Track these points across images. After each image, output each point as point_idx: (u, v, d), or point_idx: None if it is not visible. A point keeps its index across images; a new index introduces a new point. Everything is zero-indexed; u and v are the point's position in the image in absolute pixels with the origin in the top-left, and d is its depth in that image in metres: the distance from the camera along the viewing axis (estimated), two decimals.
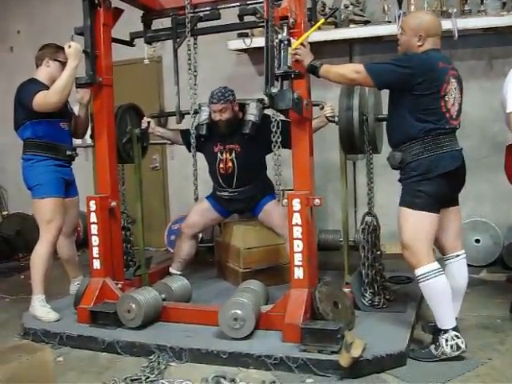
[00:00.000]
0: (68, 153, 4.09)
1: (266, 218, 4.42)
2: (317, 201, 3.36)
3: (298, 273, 3.35)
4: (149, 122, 4.43)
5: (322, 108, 3.99)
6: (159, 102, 6.09)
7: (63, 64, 3.88)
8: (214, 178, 4.50)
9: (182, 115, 4.29)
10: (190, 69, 3.93)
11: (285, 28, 3.23)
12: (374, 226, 3.89)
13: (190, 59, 3.94)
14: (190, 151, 4.24)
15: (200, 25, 4.11)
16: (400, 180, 3.27)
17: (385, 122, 3.59)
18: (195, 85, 4.06)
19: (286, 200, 3.36)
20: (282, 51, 3.14)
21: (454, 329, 3.09)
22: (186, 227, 4.56)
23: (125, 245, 4.37)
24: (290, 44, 3.18)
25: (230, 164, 4.36)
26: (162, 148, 6.36)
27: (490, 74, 5.34)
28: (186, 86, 4.02)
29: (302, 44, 3.28)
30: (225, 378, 2.79)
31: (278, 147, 3.59)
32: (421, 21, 3.22)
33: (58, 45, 4.00)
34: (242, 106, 4.37)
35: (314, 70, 3.29)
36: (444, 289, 3.11)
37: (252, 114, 4.31)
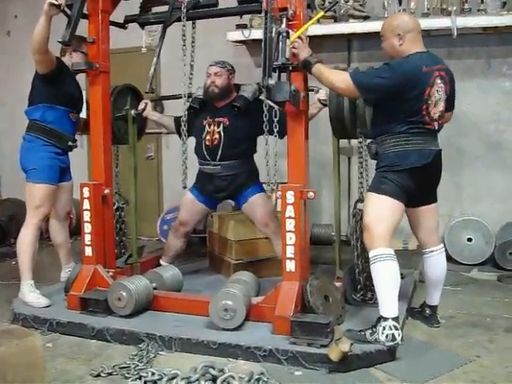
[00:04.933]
0: (69, 143, 4.12)
1: (249, 211, 4.33)
2: (311, 194, 3.35)
3: (290, 265, 3.35)
4: (146, 104, 4.41)
5: (317, 92, 3.95)
6: (156, 91, 6.07)
7: (87, 55, 3.95)
8: (200, 151, 4.36)
9: (152, 89, 4.23)
10: (184, 55, 3.88)
11: (284, 20, 3.21)
12: None
13: (184, 45, 3.89)
14: (181, 138, 4.20)
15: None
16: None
17: None
18: (191, 74, 4.05)
19: (279, 192, 3.36)
20: (281, 43, 3.12)
21: (395, 319, 3.09)
22: (180, 225, 4.50)
23: (118, 226, 4.39)
24: (288, 36, 3.16)
25: (216, 136, 4.25)
26: (157, 137, 6.35)
27: (487, 74, 5.34)
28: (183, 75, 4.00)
29: (299, 37, 3.27)
30: (213, 368, 2.78)
31: (275, 136, 3.60)
32: (396, 20, 3.32)
33: (80, 36, 3.96)
34: (238, 87, 4.34)
35: (307, 66, 3.30)
36: (392, 275, 3.13)
37: (246, 90, 4.27)
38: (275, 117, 3.52)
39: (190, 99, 4.26)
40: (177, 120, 4.40)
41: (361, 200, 3.84)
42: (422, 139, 3.21)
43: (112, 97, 4.20)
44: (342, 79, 3.21)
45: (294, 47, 3.27)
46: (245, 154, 4.31)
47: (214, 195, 4.42)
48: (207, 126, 4.29)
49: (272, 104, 3.40)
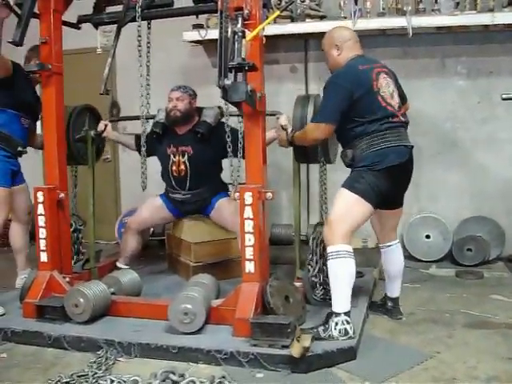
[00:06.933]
0: (19, 149, 4.07)
1: (217, 216, 4.39)
2: (269, 194, 3.34)
3: (250, 267, 3.33)
4: (106, 125, 4.39)
5: (278, 118, 3.99)
6: (111, 92, 5.97)
7: None
8: (167, 180, 4.47)
9: (107, 90, 4.13)
10: (140, 56, 3.84)
11: (239, 19, 3.19)
12: None
13: (139, 45, 3.84)
14: (141, 155, 4.17)
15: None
16: None
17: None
18: (148, 75, 4.00)
19: (237, 193, 3.34)
20: (236, 43, 3.09)
21: (346, 314, 3.15)
22: (133, 222, 4.49)
23: (76, 247, 4.32)
24: (244, 36, 3.14)
25: (182, 167, 4.34)
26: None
27: (442, 72, 5.41)
28: (139, 77, 3.94)
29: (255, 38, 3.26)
30: (174, 373, 2.74)
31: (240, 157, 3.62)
32: (333, 33, 3.49)
33: None
34: (200, 111, 4.37)
35: (291, 141, 3.58)
36: (348, 272, 3.18)
37: (208, 116, 4.33)
38: (240, 139, 3.55)
39: (152, 121, 4.31)
40: (137, 139, 4.38)
41: (321, 224, 3.84)
42: (396, 135, 3.27)
43: (71, 118, 4.19)
44: (312, 131, 3.37)
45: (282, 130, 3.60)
46: (213, 178, 4.41)
47: (184, 211, 4.53)
48: (172, 156, 4.35)
49: (225, 112, 3.40)
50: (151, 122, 4.43)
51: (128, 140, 4.57)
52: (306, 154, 3.77)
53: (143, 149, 3.93)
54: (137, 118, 4.06)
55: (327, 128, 3.30)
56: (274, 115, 4.00)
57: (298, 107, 3.73)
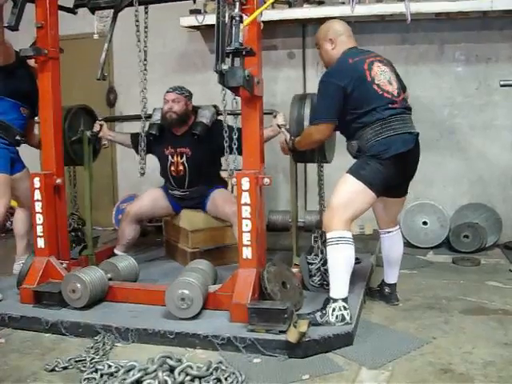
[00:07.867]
0: (17, 138, 4.06)
1: (213, 206, 4.40)
2: (266, 180, 3.32)
3: (247, 252, 3.32)
4: (101, 126, 4.37)
5: (275, 116, 3.99)
6: (108, 78, 5.95)
7: None
8: (166, 178, 4.51)
9: (103, 76, 4.06)
10: (138, 41, 3.82)
11: (237, 4, 3.16)
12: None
13: (138, 30, 3.82)
14: (138, 154, 4.18)
15: None
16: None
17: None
18: (145, 60, 3.97)
19: (234, 179, 3.33)
20: (234, 28, 3.07)
21: (344, 300, 3.15)
22: (132, 210, 4.49)
23: (73, 245, 4.34)
24: (242, 20, 3.12)
25: (180, 167, 4.36)
26: (110, 126, 6.22)
27: (441, 59, 5.39)
28: (136, 62, 3.91)
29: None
30: (171, 358, 2.74)
31: (235, 154, 3.60)
32: (326, 27, 3.48)
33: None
34: (196, 111, 4.37)
35: (293, 147, 3.63)
36: (347, 259, 3.18)
37: (204, 116, 4.33)
38: (234, 135, 3.53)
39: (148, 123, 4.27)
40: (133, 138, 4.38)
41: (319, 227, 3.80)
42: (400, 122, 3.25)
43: (67, 120, 4.15)
44: (312, 134, 3.40)
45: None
46: (211, 175, 4.45)
47: (183, 206, 4.54)
48: (170, 157, 4.37)
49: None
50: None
51: (124, 139, 4.58)
52: (303, 154, 3.79)
53: (141, 148, 4.00)
54: (133, 117, 4.05)
55: (327, 127, 3.32)
56: (270, 113, 4.02)
57: (294, 108, 3.73)
